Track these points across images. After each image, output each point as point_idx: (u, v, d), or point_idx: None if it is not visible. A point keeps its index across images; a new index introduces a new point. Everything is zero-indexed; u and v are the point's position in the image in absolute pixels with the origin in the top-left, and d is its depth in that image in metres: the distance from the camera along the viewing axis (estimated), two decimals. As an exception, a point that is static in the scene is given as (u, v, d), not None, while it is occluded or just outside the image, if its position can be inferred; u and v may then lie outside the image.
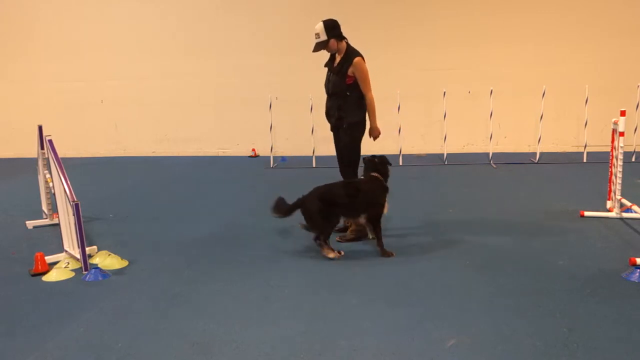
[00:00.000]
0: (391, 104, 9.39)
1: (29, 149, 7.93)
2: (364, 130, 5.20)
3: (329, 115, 5.25)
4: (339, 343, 3.20)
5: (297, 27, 10.31)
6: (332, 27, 4.99)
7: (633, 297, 3.71)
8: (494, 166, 8.82)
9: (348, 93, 5.02)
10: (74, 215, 4.40)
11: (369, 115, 5.12)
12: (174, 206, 6.80)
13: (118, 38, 10.75)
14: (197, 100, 10.74)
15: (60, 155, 4.76)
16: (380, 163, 4.94)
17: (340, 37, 5.06)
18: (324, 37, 4.99)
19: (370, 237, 5.03)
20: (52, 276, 4.36)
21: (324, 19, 5.08)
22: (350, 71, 4.98)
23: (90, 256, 4.64)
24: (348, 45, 5.10)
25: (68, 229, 4.73)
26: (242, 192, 7.57)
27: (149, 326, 3.49)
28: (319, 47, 5.05)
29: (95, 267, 4.48)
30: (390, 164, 5.01)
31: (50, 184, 5.25)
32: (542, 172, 8.24)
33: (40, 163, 5.84)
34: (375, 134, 5.23)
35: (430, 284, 4.05)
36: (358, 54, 5.06)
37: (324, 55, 5.22)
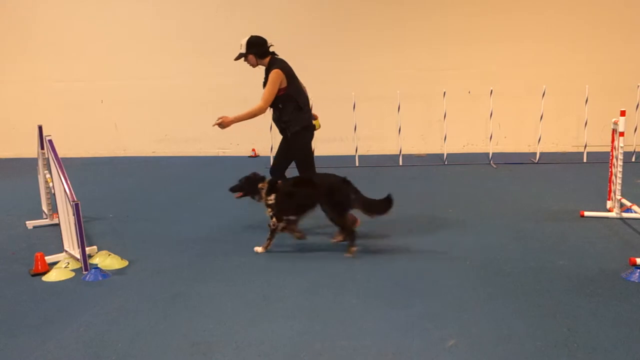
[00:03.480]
0: (391, 104, 9.40)
1: (29, 149, 7.93)
2: (310, 135, 5.27)
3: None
4: (339, 343, 3.20)
5: (297, 27, 10.32)
6: (253, 44, 5.14)
7: (633, 297, 3.71)
8: (494, 166, 8.82)
9: (280, 105, 5.13)
10: (74, 215, 4.40)
11: (240, 114, 5.05)
12: (174, 206, 6.80)
13: (118, 38, 10.75)
14: (197, 100, 10.74)
15: (60, 155, 4.76)
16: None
17: (262, 54, 5.16)
18: (243, 50, 5.17)
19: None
20: (52, 276, 4.36)
21: (253, 34, 5.22)
22: None
23: (90, 256, 4.64)
24: (272, 59, 5.17)
25: (68, 229, 4.73)
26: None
27: (149, 326, 3.49)
28: (238, 57, 5.24)
29: (95, 267, 4.48)
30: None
31: (50, 184, 5.25)
32: (542, 172, 8.24)
33: (40, 163, 5.84)
34: (224, 123, 5.07)
35: (430, 284, 4.05)
36: (277, 66, 5.09)
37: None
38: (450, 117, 9.49)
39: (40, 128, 5.74)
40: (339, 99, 9.76)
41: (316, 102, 9.45)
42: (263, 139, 9.94)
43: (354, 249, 4.69)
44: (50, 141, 4.86)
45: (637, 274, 3.98)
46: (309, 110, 5.33)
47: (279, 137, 5.28)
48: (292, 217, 4.94)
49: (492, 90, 9.26)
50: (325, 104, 9.79)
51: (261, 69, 5.27)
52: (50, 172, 5.25)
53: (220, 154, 10.86)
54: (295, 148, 5.24)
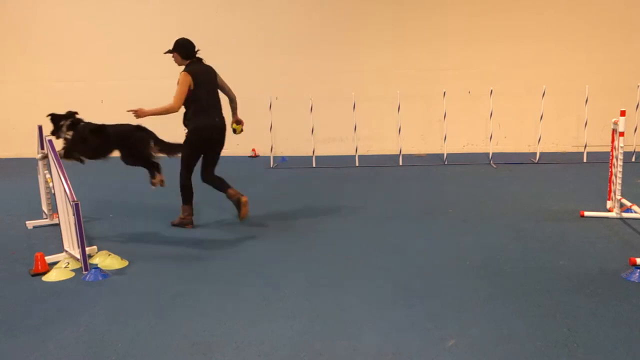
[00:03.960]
0: (391, 104, 9.40)
1: (29, 149, 7.92)
2: (202, 137, 5.65)
3: None
4: (339, 343, 3.20)
5: (297, 27, 10.32)
6: (179, 45, 5.66)
7: (633, 297, 3.71)
8: (494, 166, 8.82)
9: (184, 105, 5.61)
10: (74, 215, 4.40)
11: (155, 108, 5.55)
12: (174, 206, 6.79)
13: (118, 38, 10.74)
14: (197, 100, 10.73)
15: (60, 155, 4.77)
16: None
17: (185, 56, 5.65)
18: (171, 48, 5.69)
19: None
20: (52, 276, 4.36)
21: (184, 37, 5.78)
22: None
23: (90, 256, 4.64)
24: (190, 63, 5.63)
25: (68, 229, 4.73)
26: (241, 192, 7.55)
27: (149, 326, 3.49)
28: (167, 51, 5.74)
29: (95, 267, 4.48)
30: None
31: (50, 184, 5.25)
32: (542, 172, 8.24)
33: (40, 163, 5.84)
34: (139, 113, 5.58)
35: (430, 284, 4.05)
36: (187, 69, 5.53)
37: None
38: (450, 117, 9.49)
39: (40, 128, 5.75)
40: (339, 99, 9.77)
41: (316, 102, 9.51)
42: (263, 139, 9.94)
43: (158, 179, 5.59)
44: (50, 141, 4.87)
45: (637, 274, 3.98)
46: (213, 114, 5.70)
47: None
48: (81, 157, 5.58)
49: (492, 90, 9.26)
50: (325, 104, 9.84)
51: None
52: (50, 172, 5.25)
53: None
54: (185, 143, 5.67)
